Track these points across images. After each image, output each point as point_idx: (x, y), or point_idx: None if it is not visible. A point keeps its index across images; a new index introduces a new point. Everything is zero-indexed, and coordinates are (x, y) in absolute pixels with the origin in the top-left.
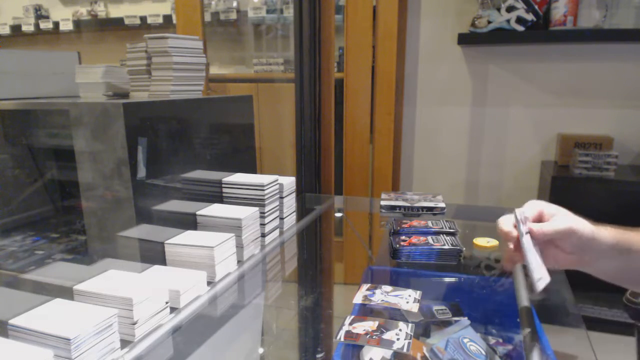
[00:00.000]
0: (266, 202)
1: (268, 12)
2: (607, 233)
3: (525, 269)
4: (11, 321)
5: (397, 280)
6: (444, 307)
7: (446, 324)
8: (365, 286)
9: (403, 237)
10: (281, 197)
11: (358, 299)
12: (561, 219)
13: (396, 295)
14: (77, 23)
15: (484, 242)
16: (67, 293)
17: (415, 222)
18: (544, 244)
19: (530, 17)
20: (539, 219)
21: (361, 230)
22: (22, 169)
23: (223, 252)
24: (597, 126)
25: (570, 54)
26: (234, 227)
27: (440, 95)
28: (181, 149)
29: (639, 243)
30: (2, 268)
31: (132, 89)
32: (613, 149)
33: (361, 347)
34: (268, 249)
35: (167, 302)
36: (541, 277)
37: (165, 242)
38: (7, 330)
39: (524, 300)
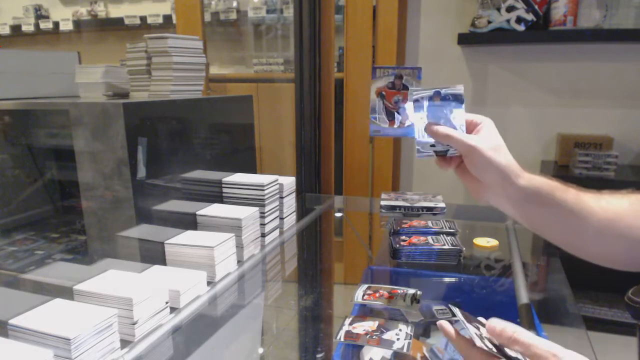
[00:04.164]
0: (266, 202)
1: (268, 12)
2: (532, 179)
3: None
4: (11, 321)
5: (397, 280)
6: (444, 307)
7: None
8: (364, 286)
9: (403, 237)
10: (281, 197)
11: (358, 298)
12: (479, 135)
13: (395, 295)
14: (77, 23)
15: (484, 242)
16: (67, 293)
17: (415, 222)
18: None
19: (530, 17)
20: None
21: (361, 230)
22: (22, 169)
23: (223, 252)
24: (597, 126)
25: (570, 54)
26: (234, 227)
27: None
28: (181, 149)
29: (565, 197)
30: (2, 268)
31: (132, 89)
32: (613, 149)
33: (361, 347)
34: (268, 249)
35: (167, 302)
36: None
37: (165, 242)
38: (7, 330)
39: (523, 298)
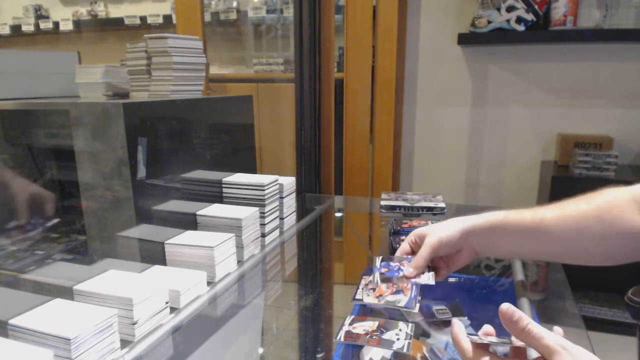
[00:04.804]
0: (266, 202)
1: (268, 12)
2: (488, 215)
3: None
4: (11, 321)
5: None
6: (444, 307)
7: (446, 324)
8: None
9: (403, 237)
10: (281, 197)
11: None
12: (425, 243)
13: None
14: (77, 23)
15: None
16: (67, 293)
17: (415, 222)
18: (436, 261)
19: (530, 17)
20: (417, 244)
21: (361, 230)
22: (22, 169)
23: (223, 252)
24: (597, 126)
25: (570, 54)
26: (234, 227)
27: (440, 95)
28: (181, 149)
29: (520, 217)
30: (2, 268)
31: (132, 89)
32: (613, 149)
33: (361, 347)
34: (268, 249)
35: (167, 302)
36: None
37: (165, 242)
38: (7, 330)
39: (519, 274)
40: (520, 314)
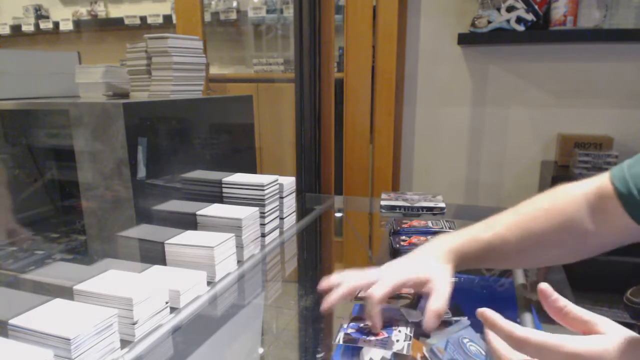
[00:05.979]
0: (266, 202)
1: (268, 12)
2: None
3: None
4: (11, 321)
5: None
6: None
7: (446, 324)
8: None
9: (403, 237)
10: (281, 197)
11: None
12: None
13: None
14: (77, 23)
15: None
16: (67, 293)
17: (415, 222)
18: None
19: (530, 17)
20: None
21: (361, 230)
22: (22, 169)
23: (223, 252)
24: (597, 126)
25: (570, 54)
26: (234, 227)
27: (440, 95)
28: (181, 149)
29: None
30: (2, 268)
31: (132, 89)
32: (613, 149)
33: (361, 347)
34: (268, 249)
35: (167, 302)
36: None
37: (165, 242)
38: (7, 330)
39: (519, 275)
40: (558, 295)
